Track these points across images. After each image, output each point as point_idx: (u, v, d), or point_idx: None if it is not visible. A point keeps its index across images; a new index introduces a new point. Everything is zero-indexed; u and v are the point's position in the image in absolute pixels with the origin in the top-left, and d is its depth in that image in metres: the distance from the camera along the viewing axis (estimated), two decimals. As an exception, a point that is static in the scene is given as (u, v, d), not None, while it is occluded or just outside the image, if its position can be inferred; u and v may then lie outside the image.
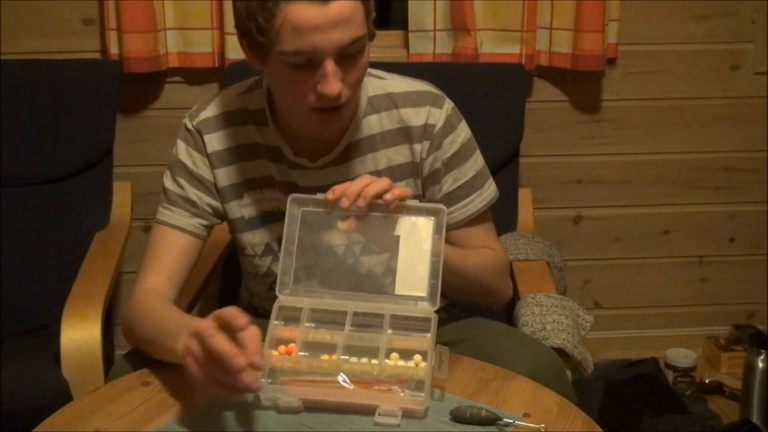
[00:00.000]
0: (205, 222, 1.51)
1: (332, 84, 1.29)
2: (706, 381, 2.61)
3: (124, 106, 2.40)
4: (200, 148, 1.49)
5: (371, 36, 1.35)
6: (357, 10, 1.28)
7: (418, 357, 1.25)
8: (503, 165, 2.21)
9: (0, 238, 2.13)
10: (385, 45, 2.47)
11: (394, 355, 1.25)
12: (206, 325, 1.12)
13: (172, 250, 1.47)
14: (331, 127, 1.39)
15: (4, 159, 2.17)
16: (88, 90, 2.23)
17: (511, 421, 1.16)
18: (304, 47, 1.27)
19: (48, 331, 1.99)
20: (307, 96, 1.32)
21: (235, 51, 2.33)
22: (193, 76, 2.44)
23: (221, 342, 1.09)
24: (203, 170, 1.49)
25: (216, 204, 1.51)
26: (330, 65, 1.28)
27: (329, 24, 1.25)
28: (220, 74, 2.40)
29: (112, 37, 2.32)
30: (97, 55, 2.40)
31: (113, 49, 2.33)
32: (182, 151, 1.51)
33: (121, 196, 2.32)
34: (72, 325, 1.78)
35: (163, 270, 1.45)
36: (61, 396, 1.69)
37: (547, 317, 1.73)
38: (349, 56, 1.30)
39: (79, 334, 1.76)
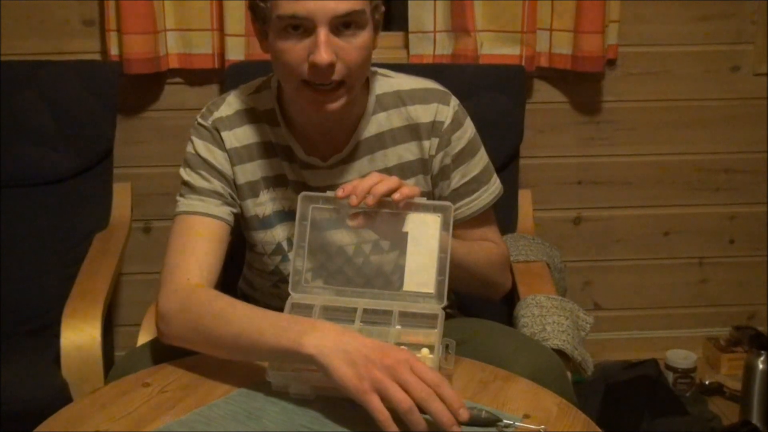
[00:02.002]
0: (234, 210, 1.49)
1: (322, 52, 1.29)
2: (706, 382, 2.61)
3: (124, 106, 2.41)
4: (220, 143, 1.48)
5: (376, 26, 1.37)
6: None
7: (425, 350, 1.26)
8: (503, 166, 2.21)
9: (0, 238, 2.14)
10: (385, 46, 2.47)
11: (402, 348, 1.26)
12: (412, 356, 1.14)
13: (209, 240, 1.42)
14: (324, 109, 1.37)
15: (4, 159, 2.17)
16: (88, 90, 2.24)
17: (512, 422, 1.16)
18: (299, 11, 1.28)
19: (48, 331, 1.99)
20: (300, 67, 1.32)
21: (235, 52, 2.33)
22: (193, 77, 2.45)
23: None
24: (224, 165, 1.48)
25: (236, 198, 1.51)
26: (323, 33, 1.29)
27: None
28: (220, 75, 2.40)
29: (112, 38, 2.32)
30: (97, 56, 2.40)
31: (113, 50, 2.33)
32: (201, 147, 1.48)
33: (121, 196, 2.32)
34: (72, 326, 1.78)
35: (204, 262, 1.40)
36: (61, 397, 1.69)
37: (547, 318, 1.73)
38: (345, 31, 1.31)
39: (79, 335, 1.76)
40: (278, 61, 1.36)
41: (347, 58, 1.33)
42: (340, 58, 1.32)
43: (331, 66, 1.31)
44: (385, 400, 1.10)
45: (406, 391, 1.10)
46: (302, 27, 1.30)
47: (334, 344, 1.15)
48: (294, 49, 1.32)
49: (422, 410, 1.10)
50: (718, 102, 2.60)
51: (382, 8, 1.40)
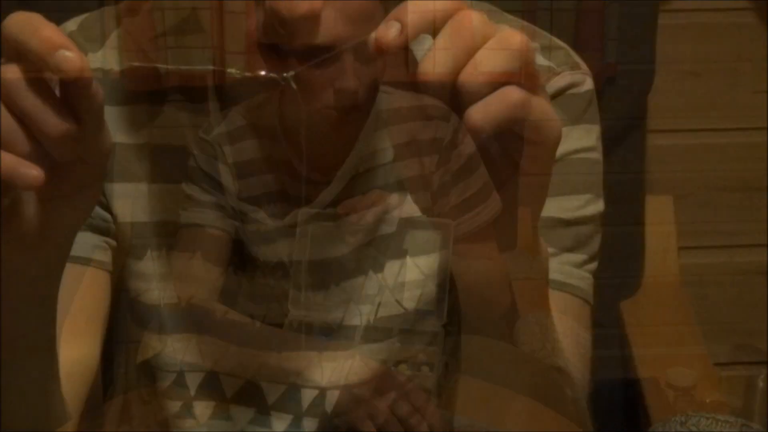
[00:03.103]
0: (235, 223, 1.50)
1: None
2: (707, 401, 2.60)
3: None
4: (222, 158, 1.49)
5: None
6: None
7: (425, 368, 1.26)
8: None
9: (0, 239, 2.13)
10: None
11: (402, 366, 1.27)
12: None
13: (210, 252, 1.43)
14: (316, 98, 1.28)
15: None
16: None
17: (511, 440, 1.16)
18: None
19: (47, 348, 1.98)
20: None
21: (234, 69, 2.33)
22: (193, 93, 2.44)
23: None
24: (226, 179, 1.49)
25: (238, 212, 1.51)
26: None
27: None
28: (219, 92, 2.39)
29: (111, 54, 2.32)
30: (98, 73, 2.40)
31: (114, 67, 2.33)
32: (203, 160, 1.49)
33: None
34: (70, 342, 1.77)
35: (204, 274, 1.41)
36: (60, 415, 1.68)
37: (547, 336, 1.73)
38: None
39: (78, 352, 1.76)
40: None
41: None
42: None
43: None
44: (370, 420, 1.11)
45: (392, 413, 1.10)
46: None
47: (318, 362, 1.16)
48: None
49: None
50: (717, 117, 2.61)
51: None
